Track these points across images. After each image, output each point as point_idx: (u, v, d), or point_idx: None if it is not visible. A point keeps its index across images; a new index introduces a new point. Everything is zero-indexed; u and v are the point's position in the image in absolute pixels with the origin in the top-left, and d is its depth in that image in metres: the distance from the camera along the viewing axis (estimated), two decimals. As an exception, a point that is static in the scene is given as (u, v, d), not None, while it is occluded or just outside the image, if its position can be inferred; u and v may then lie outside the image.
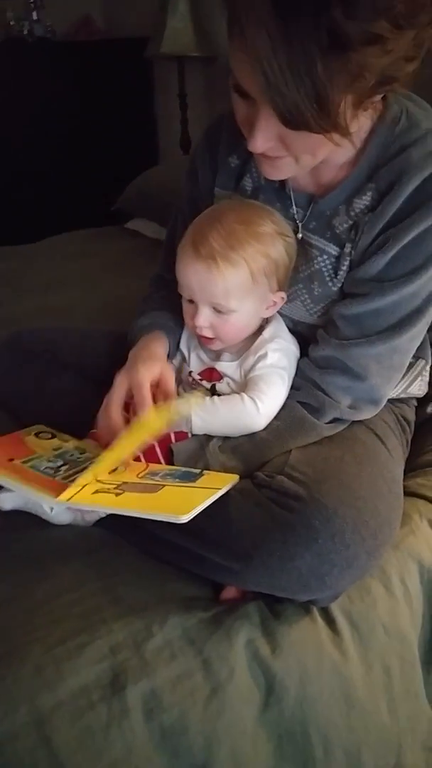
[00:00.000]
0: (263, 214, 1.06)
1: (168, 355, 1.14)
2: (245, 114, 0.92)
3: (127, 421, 1.03)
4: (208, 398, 1.07)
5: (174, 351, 1.18)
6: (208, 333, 1.07)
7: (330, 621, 0.96)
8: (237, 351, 1.12)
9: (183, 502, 0.90)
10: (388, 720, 0.95)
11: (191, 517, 0.87)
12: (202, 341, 1.11)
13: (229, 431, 1.06)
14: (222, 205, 1.11)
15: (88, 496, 0.95)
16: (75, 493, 0.94)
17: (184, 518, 0.87)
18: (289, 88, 0.79)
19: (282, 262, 1.06)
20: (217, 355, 1.14)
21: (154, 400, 1.03)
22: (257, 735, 0.88)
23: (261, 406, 1.03)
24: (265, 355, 1.08)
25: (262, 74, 0.79)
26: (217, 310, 1.05)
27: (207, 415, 1.05)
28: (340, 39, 0.76)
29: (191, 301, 1.07)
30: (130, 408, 1.05)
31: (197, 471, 1.00)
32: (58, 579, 0.97)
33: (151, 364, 1.05)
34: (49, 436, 1.13)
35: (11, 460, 1.02)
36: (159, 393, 1.05)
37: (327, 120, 0.83)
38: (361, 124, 0.97)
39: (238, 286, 1.03)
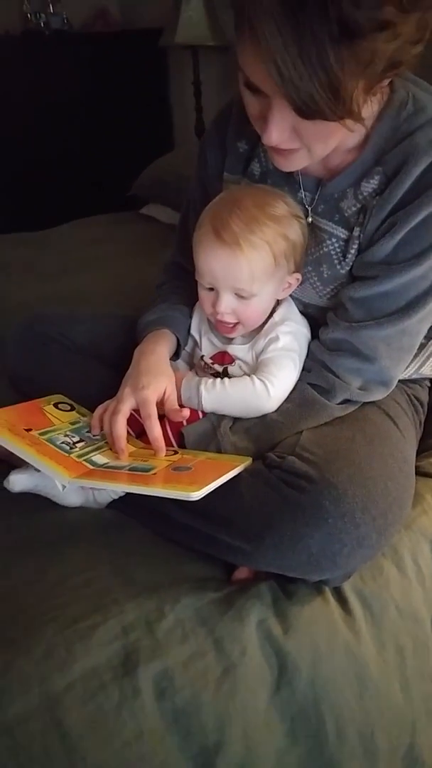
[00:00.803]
0: (275, 196, 1.06)
1: (176, 350, 1.17)
2: (258, 109, 0.93)
3: (129, 434, 1.04)
4: (218, 381, 1.07)
5: (184, 340, 1.19)
6: (230, 318, 1.07)
7: (342, 601, 0.96)
8: (248, 334, 1.12)
9: (195, 481, 0.90)
10: (401, 700, 0.95)
11: (202, 495, 0.87)
12: (222, 330, 1.11)
13: (239, 412, 1.06)
14: (235, 190, 1.11)
15: (100, 476, 0.95)
16: (88, 473, 0.95)
17: (196, 496, 0.87)
18: (303, 79, 0.79)
19: (299, 243, 1.06)
20: (228, 339, 1.14)
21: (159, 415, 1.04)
22: (269, 716, 0.88)
23: (271, 389, 1.04)
24: (276, 338, 1.08)
25: (275, 69, 0.80)
26: (239, 296, 1.05)
27: (216, 398, 1.06)
28: (350, 28, 0.76)
29: (211, 289, 1.07)
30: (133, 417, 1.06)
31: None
32: (70, 561, 0.97)
33: (157, 383, 1.05)
34: (68, 407, 1.13)
35: (29, 430, 1.01)
36: (162, 408, 1.06)
37: (342, 108, 0.83)
38: (370, 109, 0.96)
39: (262, 270, 1.03)
